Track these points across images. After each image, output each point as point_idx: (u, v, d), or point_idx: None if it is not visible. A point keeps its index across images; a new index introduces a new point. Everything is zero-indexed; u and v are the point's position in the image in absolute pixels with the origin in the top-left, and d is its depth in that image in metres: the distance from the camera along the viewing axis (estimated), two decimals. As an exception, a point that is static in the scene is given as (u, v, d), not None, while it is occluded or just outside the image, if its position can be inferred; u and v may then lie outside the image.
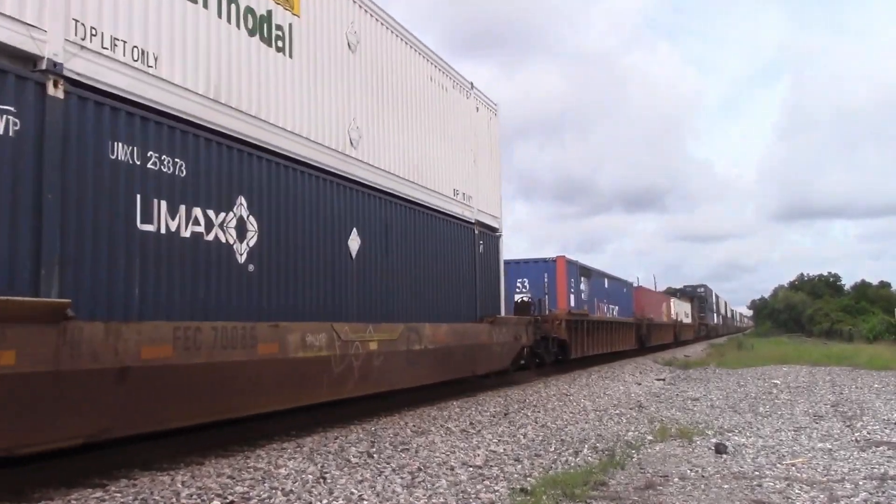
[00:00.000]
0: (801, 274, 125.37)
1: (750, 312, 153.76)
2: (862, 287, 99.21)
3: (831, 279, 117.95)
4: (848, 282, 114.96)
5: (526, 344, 18.70)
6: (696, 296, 65.38)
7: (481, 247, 16.12)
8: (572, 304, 23.70)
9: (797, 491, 6.70)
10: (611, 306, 29.70)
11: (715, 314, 79.10)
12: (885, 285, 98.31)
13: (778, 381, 18.08)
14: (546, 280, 23.11)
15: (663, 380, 20.65)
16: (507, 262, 20.98)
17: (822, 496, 6.51)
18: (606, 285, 29.49)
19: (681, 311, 50.34)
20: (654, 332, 38.81)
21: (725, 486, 6.93)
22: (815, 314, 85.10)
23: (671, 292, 57.64)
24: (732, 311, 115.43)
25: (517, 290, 22.71)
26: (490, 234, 16.92)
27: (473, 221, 15.79)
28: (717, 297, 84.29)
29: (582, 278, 25.43)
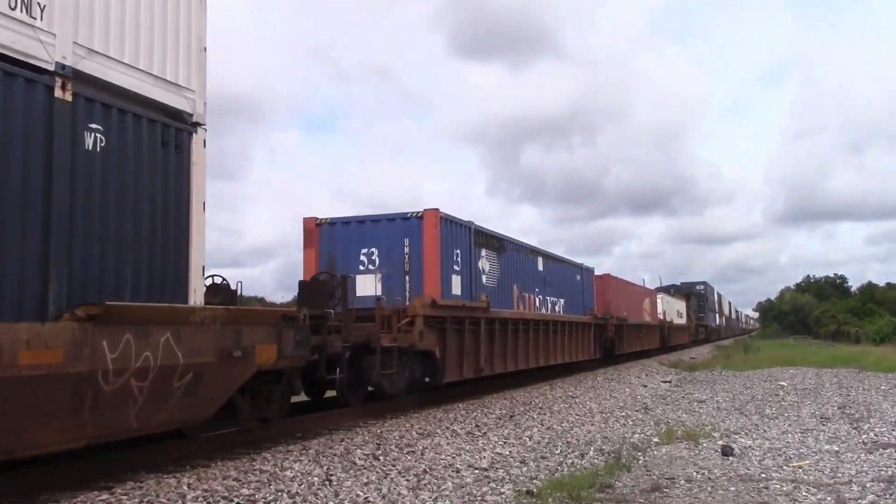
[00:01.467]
0: (808, 276, 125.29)
1: (756, 314, 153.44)
2: (868, 289, 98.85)
3: (838, 281, 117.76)
4: (855, 283, 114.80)
5: (274, 365, 8.79)
6: (695, 293, 58.67)
7: (91, 139, 7.06)
8: (456, 289, 14.55)
9: (804, 493, 6.68)
10: (550, 299, 20.71)
11: (717, 315, 72.08)
12: (892, 287, 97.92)
13: (784, 384, 18.02)
14: (408, 250, 14.02)
15: (669, 382, 20.63)
16: (345, 221, 14.52)
17: (829, 498, 6.48)
18: (540, 267, 20.13)
19: (672, 310, 43.00)
20: (630, 336, 30.20)
21: (732, 489, 6.92)
22: (821, 316, 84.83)
23: (664, 289, 49.78)
24: (737, 312, 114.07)
25: (360, 266, 14.12)
26: (151, 121, 7.77)
27: (54, 67, 6.70)
28: (719, 295, 77.70)
29: (482, 251, 16.14)
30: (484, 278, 16.16)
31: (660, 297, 39.98)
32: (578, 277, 24.22)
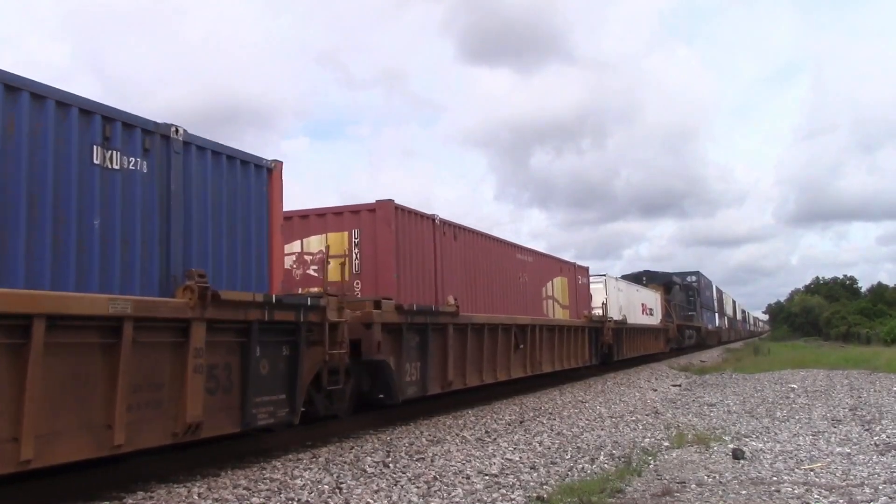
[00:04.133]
0: (817, 277, 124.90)
1: (766, 317, 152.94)
2: (879, 289, 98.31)
3: (847, 282, 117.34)
4: (866, 284, 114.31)
5: None
6: (681, 285, 43.03)
7: None
8: None
9: (816, 496, 6.64)
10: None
11: (715, 314, 58.59)
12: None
13: (795, 386, 17.93)
14: None
15: (679, 385, 20.55)
16: None
17: (841, 501, 6.45)
18: None
19: (630, 304, 28.74)
20: (472, 351, 13.91)
21: (743, 492, 6.88)
22: (831, 318, 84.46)
23: (632, 276, 36.59)
24: (745, 312, 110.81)
25: None
26: None
27: None
28: (719, 291, 64.36)
29: None
30: None
31: (599, 283, 24.76)
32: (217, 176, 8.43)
